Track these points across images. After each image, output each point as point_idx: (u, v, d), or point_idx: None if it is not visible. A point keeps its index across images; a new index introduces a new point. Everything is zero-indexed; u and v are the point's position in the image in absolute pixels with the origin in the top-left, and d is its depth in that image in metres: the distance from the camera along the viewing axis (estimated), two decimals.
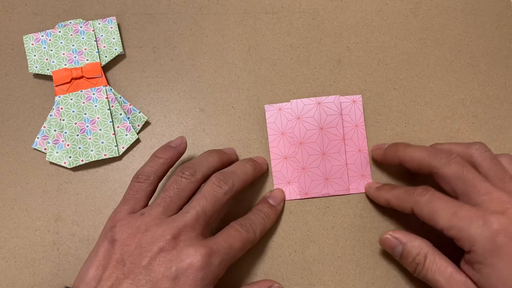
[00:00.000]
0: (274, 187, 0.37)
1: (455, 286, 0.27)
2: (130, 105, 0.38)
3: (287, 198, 0.36)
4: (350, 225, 0.36)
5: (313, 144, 0.36)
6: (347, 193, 0.36)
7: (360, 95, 0.38)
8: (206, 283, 0.27)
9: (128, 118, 0.38)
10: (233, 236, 0.30)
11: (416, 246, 0.30)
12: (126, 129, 0.37)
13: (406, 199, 0.31)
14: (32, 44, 0.38)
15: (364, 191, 0.36)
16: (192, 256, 0.27)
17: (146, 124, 0.38)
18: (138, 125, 0.38)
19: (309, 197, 0.36)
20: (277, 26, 0.41)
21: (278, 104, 0.37)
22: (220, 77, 0.39)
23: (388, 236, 0.32)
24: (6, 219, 0.36)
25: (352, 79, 0.39)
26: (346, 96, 0.37)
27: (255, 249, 0.36)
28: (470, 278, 0.27)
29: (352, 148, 0.37)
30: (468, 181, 0.28)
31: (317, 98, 0.37)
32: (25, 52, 0.38)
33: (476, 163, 0.30)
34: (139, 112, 0.38)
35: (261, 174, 0.36)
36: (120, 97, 0.38)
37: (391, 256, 0.35)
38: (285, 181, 0.36)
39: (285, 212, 0.36)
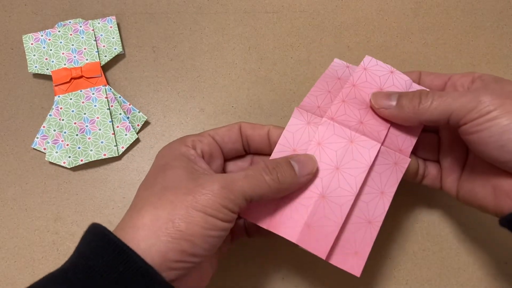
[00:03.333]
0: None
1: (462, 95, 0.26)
2: (129, 104, 0.38)
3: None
4: None
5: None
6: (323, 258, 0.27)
7: None
8: None
9: (128, 117, 0.38)
10: None
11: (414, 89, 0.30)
12: (126, 128, 0.37)
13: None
14: (32, 44, 0.38)
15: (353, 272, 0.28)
16: None
17: (146, 123, 0.38)
18: (138, 125, 0.38)
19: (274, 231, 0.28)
20: (277, 26, 0.40)
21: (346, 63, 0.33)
22: (220, 77, 0.39)
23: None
24: (6, 219, 0.36)
25: None
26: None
27: (255, 249, 0.35)
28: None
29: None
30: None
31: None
32: (24, 51, 0.38)
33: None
34: (139, 112, 0.38)
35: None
36: (120, 97, 0.38)
37: (392, 256, 0.35)
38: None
39: None
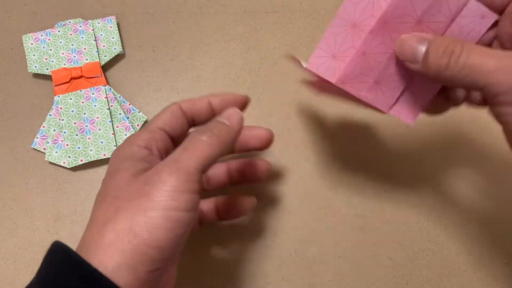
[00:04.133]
0: (312, 57, 0.27)
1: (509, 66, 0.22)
2: (129, 104, 0.38)
3: (321, 72, 0.27)
4: (350, 225, 0.36)
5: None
6: (385, 111, 0.28)
7: None
8: None
9: (128, 117, 0.38)
10: None
11: (446, 37, 0.25)
12: (126, 128, 0.37)
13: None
14: (32, 44, 0.38)
15: (406, 121, 0.28)
16: None
17: (146, 123, 0.38)
18: (138, 125, 0.38)
19: (343, 89, 0.27)
20: (277, 25, 0.40)
21: None
22: (220, 77, 0.39)
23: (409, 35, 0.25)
24: (5, 219, 0.36)
25: None
26: None
27: (255, 249, 0.35)
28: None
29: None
30: None
31: None
32: (24, 51, 0.38)
33: None
34: (139, 112, 0.38)
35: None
36: (120, 97, 0.38)
37: (392, 257, 0.35)
38: (330, 54, 0.27)
39: (285, 212, 0.36)
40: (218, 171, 0.34)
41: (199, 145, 0.24)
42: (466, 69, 0.22)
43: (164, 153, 0.27)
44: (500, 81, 0.21)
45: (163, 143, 0.27)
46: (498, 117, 0.23)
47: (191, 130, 0.30)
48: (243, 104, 0.30)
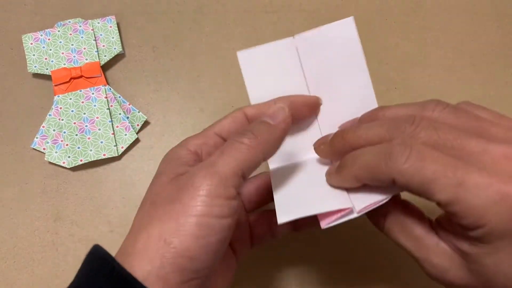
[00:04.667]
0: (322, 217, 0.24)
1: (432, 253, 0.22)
2: (129, 104, 0.38)
3: (336, 219, 0.25)
4: (350, 225, 0.36)
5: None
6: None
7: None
8: None
9: (128, 117, 0.38)
10: None
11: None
12: (126, 128, 0.37)
13: (380, 168, 0.21)
14: (31, 44, 0.38)
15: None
16: None
17: (146, 123, 0.38)
18: (138, 125, 0.38)
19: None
20: (278, 25, 0.40)
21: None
22: (220, 77, 0.39)
23: None
24: (5, 219, 0.36)
25: None
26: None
27: (256, 251, 0.35)
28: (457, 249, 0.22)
29: None
30: (452, 146, 0.21)
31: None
32: (24, 51, 0.38)
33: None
34: (139, 112, 0.38)
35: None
36: (120, 97, 0.38)
37: (392, 256, 0.35)
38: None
39: None
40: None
41: (238, 148, 0.22)
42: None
43: None
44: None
45: (215, 148, 0.25)
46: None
47: None
48: (314, 106, 0.27)
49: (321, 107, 0.28)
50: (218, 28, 0.40)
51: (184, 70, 0.39)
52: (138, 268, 0.20)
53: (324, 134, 0.27)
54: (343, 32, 0.26)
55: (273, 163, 0.28)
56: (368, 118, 0.25)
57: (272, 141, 0.24)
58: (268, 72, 0.28)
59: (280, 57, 0.27)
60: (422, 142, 0.21)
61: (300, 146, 0.28)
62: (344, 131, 0.25)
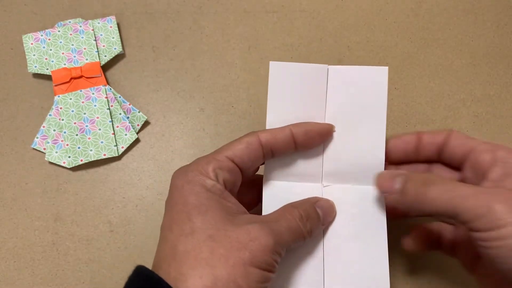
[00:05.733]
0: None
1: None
2: (129, 104, 0.38)
3: None
4: None
5: None
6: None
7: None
8: None
9: (128, 117, 0.38)
10: None
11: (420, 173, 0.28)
12: (126, 128, 0.37)
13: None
14: (32, 44, 0.38)
15: None
16: None
17: (146, 123, 0.38)
18: (138, 125, 0.38)
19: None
20: (277, 25, 0.40)
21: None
22: (220, 77, 0.39)
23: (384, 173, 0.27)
24: (5, 219, 0.36)
25: None
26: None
27: None
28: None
29: None
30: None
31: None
32: (24, 51, 0.38)
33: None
34: (139, 112, 0.38)
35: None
36: (120, 97, 0.38)
37: (392, 256, 0.35)
38: None
39: None
40: None
41: (299, 233, 0.25)
42: (443, 194, 0.23)
43: (231, 186, 0.26)
44: (471, 208, 0.22)
45: (230, 175, 0.26)
46: (477, 244, 0.23)
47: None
48: (326, 134, 0.28)
49: (331, 138, 0.29)
50: (218, 28, 0.40)
51: (184, 70, 0.39)
52: None
53: (326, 165, 0.29)
54: (375, 78, 0.28)
55: (269, 176, 0.29)
56: None
57: (313, 232, 0.27)
58: (293, 88, 0.28)
59: (309, 78, 0.28)
60: None
61: (300, 171, 0.29)
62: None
